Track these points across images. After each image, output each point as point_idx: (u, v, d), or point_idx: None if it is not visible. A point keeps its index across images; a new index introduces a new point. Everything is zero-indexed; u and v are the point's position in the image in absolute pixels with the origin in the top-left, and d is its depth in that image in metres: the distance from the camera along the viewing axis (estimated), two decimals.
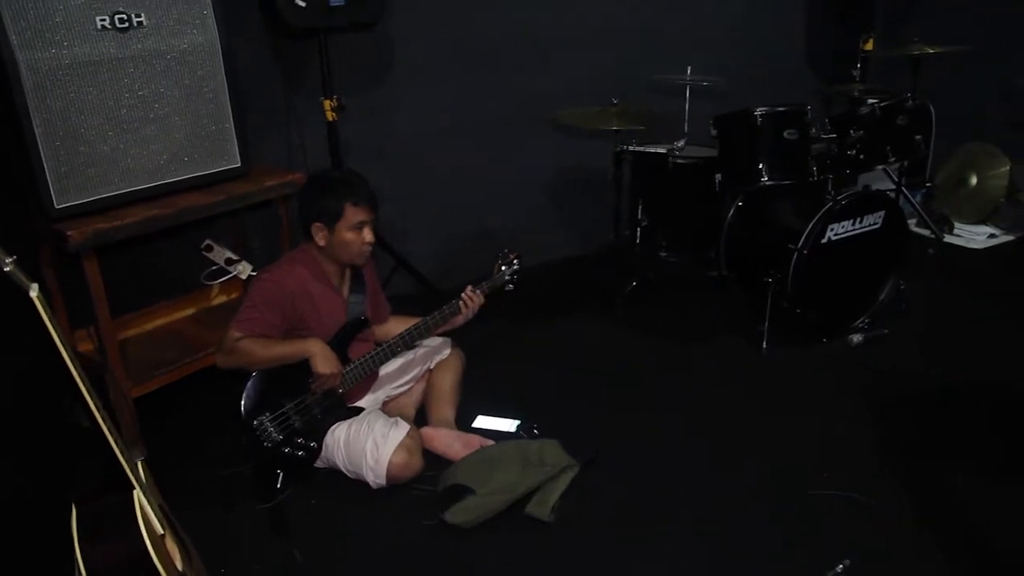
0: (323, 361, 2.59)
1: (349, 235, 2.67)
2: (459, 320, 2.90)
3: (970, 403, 3.10)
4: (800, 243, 3.32)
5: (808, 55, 5.21)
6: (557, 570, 2.33)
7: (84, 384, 1.46)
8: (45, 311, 1.39)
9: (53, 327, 1.40)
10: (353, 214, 2.65)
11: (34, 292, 1.40)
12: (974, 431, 2.91)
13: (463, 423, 2.97)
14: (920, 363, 3.39)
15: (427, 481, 2.64)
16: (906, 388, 3.20)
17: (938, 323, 3.75)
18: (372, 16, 3.52)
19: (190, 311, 3.45)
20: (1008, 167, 4.70)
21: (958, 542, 2.36)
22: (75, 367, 1.46)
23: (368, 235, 2.70)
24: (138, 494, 1.53)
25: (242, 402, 2.56)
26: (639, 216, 3.88)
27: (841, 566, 2.20)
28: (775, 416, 3.04)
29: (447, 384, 3.01)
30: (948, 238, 4.71)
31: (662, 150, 3.77)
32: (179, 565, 1.64)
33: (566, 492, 2.56)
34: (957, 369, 3.33)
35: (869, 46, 4.76)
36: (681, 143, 3.79)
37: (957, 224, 4.81)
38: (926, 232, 4.71)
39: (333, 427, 2.68)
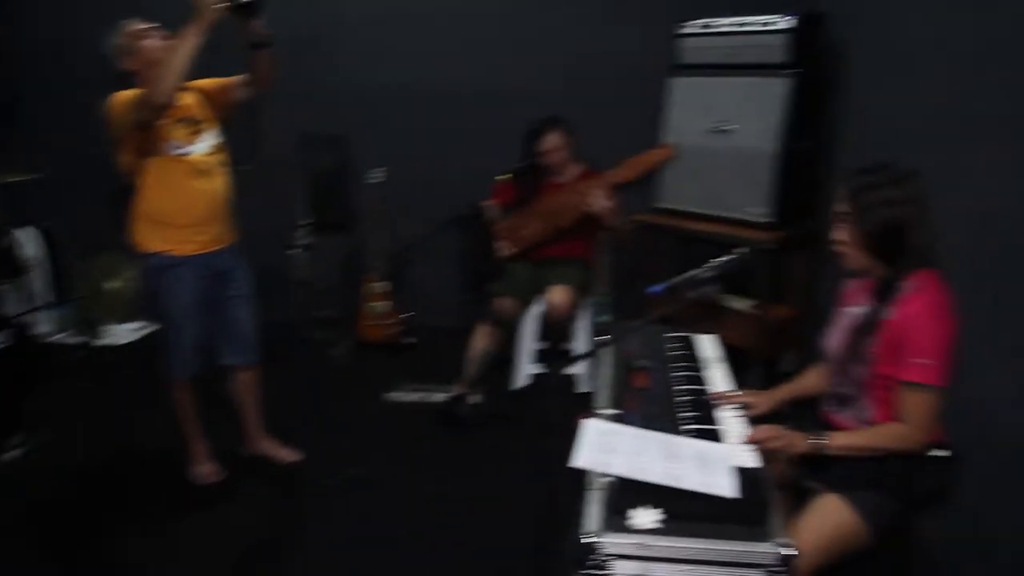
0: None
1: None
2: None
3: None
4: None
5: None
6: None
7: None
8: None
9: None
10: None
11: None
12: None
13: None
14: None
15: None
16: None
17: (98, 420, 4.13)
18: None
19: None
20: (133, 271, 5.30)
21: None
22: None
23: None
24: None
25: None
26: None
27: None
28: None
29: None
30: (99, 341, 5.16)
31: None
32: None
33: None
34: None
35: None
36: None
37: (108, 325, 5.28)
38: (79, 339, 5.08)
39: None
